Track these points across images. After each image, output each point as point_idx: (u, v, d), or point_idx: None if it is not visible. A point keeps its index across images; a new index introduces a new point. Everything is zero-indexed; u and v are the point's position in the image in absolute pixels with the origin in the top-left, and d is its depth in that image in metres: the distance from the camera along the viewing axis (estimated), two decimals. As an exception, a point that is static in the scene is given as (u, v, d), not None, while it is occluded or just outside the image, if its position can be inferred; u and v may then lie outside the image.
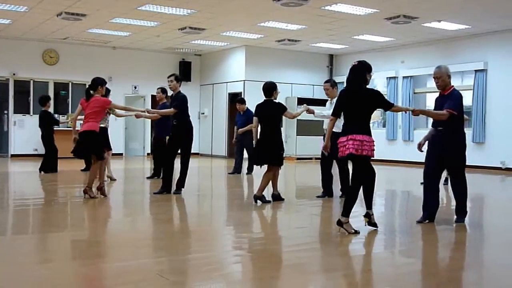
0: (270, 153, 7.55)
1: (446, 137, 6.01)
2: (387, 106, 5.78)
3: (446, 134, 6.01)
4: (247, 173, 12.19)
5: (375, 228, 5.77)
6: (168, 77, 8.49)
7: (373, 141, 5.53)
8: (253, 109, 8.03)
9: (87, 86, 8.09)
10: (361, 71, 5.64)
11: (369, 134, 5.53)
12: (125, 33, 15.49)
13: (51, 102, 12.64)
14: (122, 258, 4.74)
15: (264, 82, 7.84)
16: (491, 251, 5.42)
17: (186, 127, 8.39)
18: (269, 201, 7.73)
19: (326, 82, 8.47)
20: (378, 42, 16.29)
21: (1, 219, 6.62)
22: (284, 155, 7.79)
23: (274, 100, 7.65)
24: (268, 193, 7.89)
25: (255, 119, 7.75)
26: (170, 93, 8.86)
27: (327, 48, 17.74)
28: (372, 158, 5.55)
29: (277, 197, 7.88)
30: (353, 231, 5.55)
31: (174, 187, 8.52)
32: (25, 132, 16.89)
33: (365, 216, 5.77)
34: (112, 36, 15.99)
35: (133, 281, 4.04)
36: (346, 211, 5.55)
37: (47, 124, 11.77)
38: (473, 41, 14.91)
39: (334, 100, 7.90)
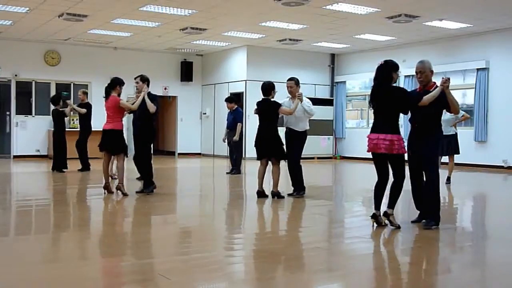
0: (271, 147, 7.93)
1: (421, 134, 5.95)
2: (412, 104, 5.80)
3: (422, 131, 5.95)
4: (233, 173, 12.12)
5: (395, 227, 5.80)
6: (135, 78, 8.31)
7: (402, 139, 5.72)
8: (251, 108, 8.12)
9: (106, 85, 8.30)
10: (387, 70, 5.86)
11: (398, 132, 5.73)
12: (127, 33, 15.50)
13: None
14: (124, 258, 4.75)
15: (262, 82, 8.28)
16: (492, 249, 5.42)
17: (149, 131, 8.30)
18: (283, 197, 8.03)
19: (290, 79, 8.26)
20: (380, 41, 16.27)
21: (6, 219, 6.64)
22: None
23: (271, 99, 8.03)
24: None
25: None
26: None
27: (329, 47, 17.73)
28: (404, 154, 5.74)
29: (276, 194, 8.00)
30: (397, 224, 5.77)
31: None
32: (27, 133, 16.91)
33: (383, 215, 5.82)
34: (114, 36, 16.00)
35: (135, 281, 4.05)
36: (392, 203, 5.77)
37: (58, 122, 12.23)
38: (475, 39, 14.87)
39: (296, 99, 8.00)
